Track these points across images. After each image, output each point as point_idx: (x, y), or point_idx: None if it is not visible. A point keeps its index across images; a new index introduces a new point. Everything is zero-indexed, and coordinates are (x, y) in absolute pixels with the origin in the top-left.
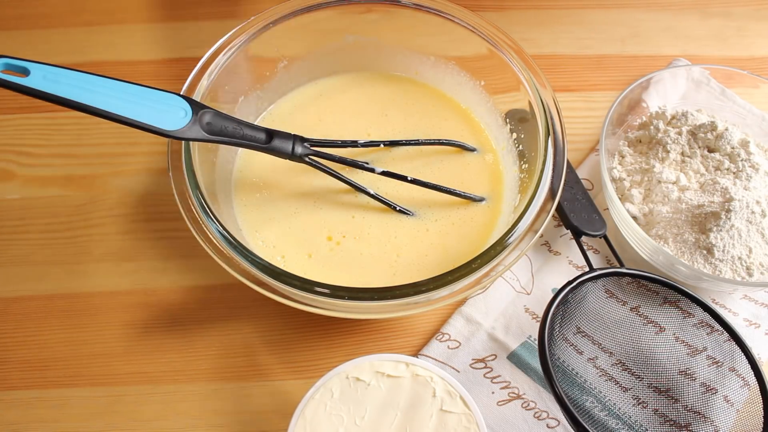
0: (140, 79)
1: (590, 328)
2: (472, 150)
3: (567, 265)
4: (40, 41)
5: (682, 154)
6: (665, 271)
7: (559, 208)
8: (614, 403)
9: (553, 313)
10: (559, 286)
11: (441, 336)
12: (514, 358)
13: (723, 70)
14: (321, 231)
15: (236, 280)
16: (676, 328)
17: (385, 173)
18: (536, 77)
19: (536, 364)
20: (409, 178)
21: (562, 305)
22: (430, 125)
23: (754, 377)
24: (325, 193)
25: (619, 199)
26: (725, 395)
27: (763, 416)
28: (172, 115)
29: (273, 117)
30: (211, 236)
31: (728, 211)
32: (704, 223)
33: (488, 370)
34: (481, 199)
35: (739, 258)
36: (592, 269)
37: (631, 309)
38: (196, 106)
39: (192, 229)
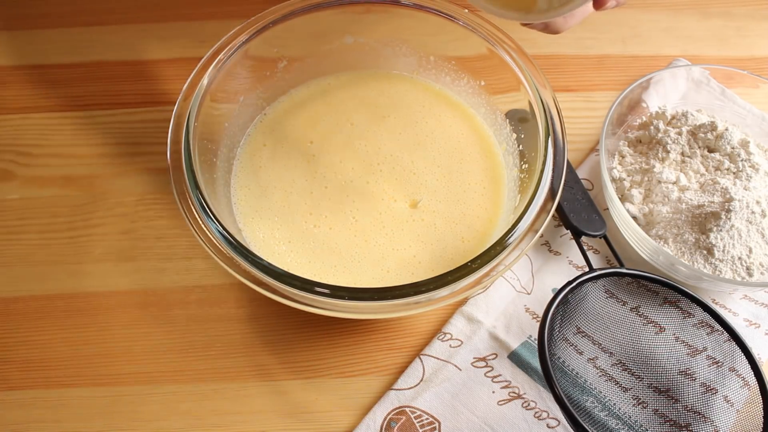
0: (140, 80)
1: (590, 328)
2: None
3: (567, 265)
4: (40, 41)
5: (682, 154)
6: (665, 271)
7: (559, 208)
8: (614, 404)
9: (553, 314)
10: (559, 286)
11: (443, 336)
12: (514, 357)
13: (723, 70)
14: (322, 231)
15: (236, 280)
16: (676, 328)
17: None
18: (536, 77)
19: (537, 363)
20: None
21: (562, 305)
22: (430, 125)
23: (754, 377)
24: (326, 194)
25: (619, 199)
26: (725, 395)
27: (763, 416)
28: None
29: (273, 117)
30: (211, 236)
31: (728, 211)
32: (704, 223)
33: (489, 369)
34: None
35: (739, 258)
36: (592, 269)
37: (631, 309)
38: None
39: (192, 229)
